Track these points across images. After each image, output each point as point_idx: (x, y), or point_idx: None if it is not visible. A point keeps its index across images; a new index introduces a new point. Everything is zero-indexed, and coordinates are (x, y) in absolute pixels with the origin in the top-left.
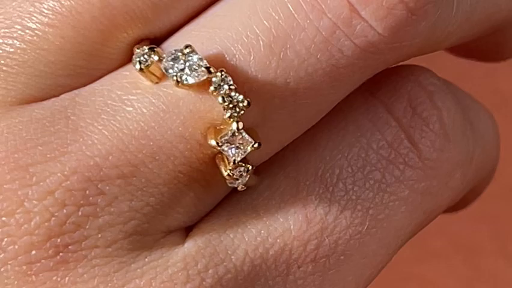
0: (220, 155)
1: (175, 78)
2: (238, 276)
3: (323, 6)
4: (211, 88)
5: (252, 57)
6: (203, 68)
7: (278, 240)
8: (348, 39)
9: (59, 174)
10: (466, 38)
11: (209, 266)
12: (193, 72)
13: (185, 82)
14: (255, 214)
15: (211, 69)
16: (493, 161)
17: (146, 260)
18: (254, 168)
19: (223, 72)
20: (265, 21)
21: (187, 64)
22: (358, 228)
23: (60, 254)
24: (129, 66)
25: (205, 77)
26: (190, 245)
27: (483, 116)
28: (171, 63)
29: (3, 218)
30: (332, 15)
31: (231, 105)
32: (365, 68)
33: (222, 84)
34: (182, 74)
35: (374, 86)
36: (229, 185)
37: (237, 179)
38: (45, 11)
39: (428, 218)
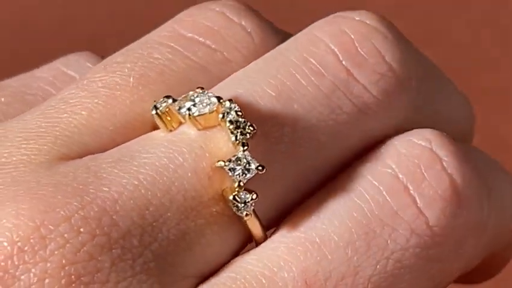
0: (227, 189)
1: (187, 112)
2: None
3: (322, 70)
4: (220, 116)
5: (259, 105)
6: (213, 99)
7: None
8: (347, 99)
9: (75, 204)
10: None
11: None
12: (204, 105)
13: (196, 114)
14: (255, 279)
15: (221, 99)
16: None
17: None
18: (258, 197)
19: (231, 102)
20: (270, 80)
21: (198, 100)
22: None
23: (73, 285)
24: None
25: (215, 107)
26: None
27: (505, 182)
28: (183, 101)
29: (19, 244)
30: (331, 76)
31: (237, 129)
32: (363, 128)
33: (229, 110)
34: (193, 107)
35: (385, 149)
36: (235, 211)
37: (242, 205)
38: (88, 88)
39: (438, 284)
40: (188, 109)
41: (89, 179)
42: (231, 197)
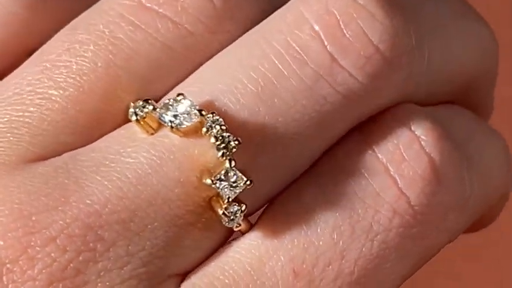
0: (215, 197)
1: (169, 124)
2: None
3: (305, 57)
4: (204, 129)
5: (241, 105)
6: (195, 111)
7: None
8: (331, 87)
9: (60, 222)
10: (438, 92)
11: None
12: (186, 117)
13: (179, 127)
14: (243, 269)
15: (203, 112)
16: (501, 188)
17: None
18: (247, 209)
19: (214, 115)
20: (252, 73)
21: (180, 110)
22: (346, 278)
23: None
24: (126, 124)
25: (197, 120)
26: None
27: (488, 144)
28: (164, 110)
29: (8, 265)
30: (314, 65)
31: (222, 145)
32: (349, 115)
33: (213, 125)
34: (175, 119)
35: (367, 130)
36: (225, 223)
37: (232, 218)
38: (54, 76)
39: (423, 259)
40: (170, 120)
41: (70, 186)
42: (220, 212)
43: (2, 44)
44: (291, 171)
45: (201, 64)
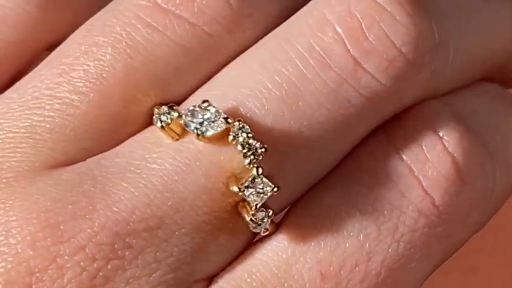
0: (241, 203)
1: (195, 131)
2: None
3: (329, 61)
4: (230, 137)
5: (266, 110)
6: (221, 119)
7: None
8: (354, 91)
9: (89, 230)
10: (465, 82)
11: None
12: (212, 124)
13: (205, 134)
14: (270, 271)
15: (229, 120)
16: None
17: None
18: (274, 213)
19: (240, 122)
20: (276, 77)
21: (206, 117)
22: (373, 279)
23: None
24: (150, 128)
25: (223, 127)
26: None
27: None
28: (190, 118)
29: (37, 274)
30: (337, 69)
31: (249, 152)
32: (372, 117)
33: (240, 133)
34: (201, 127)
35: (391, 131)
36: (253, 229)
37: (259, 224)
38: (73, 80)
39: (447, 255)
40: (197, 127)
41: (96, 194)
42: (247, 218)
43: (16, 44)
44: (315, 174)
45: (220, 65)
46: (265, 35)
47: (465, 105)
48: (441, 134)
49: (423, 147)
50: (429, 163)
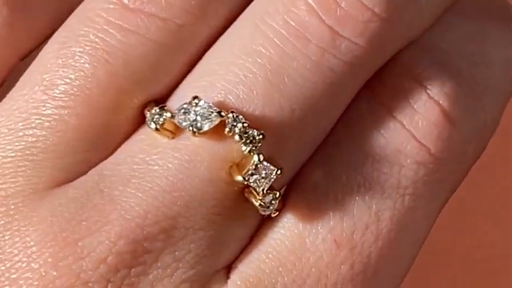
0: (247, 189)
1: (190, 129)
2: None
3: (306, 35)
4: (226, 129)
5: (254, 94)
6: (214, 113)
7: (313, 270)
8: (336, 59)
9: (106, 242)
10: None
11: None
12: (206, 120)
13: (201, 131)
14: (286, 249)
15: (222, 113)
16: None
17: None
18: (280, 193)
19: (234, 114)
20: (258, 59)
21: (199, 113)
22: (386, 237)
23: None
24: (143, 129)
25: (218, 121)
26: None
27: (494, 53)
28: (183, 116)
29: None
30: (316, 41)
31: (248, 141)
32: (357, 79)
33: (235, 124)
34: (196, 123)
35: (376, 89)
36: (263, 213)
37: (268, 206)
38: (58, 96)
39: (452, 191)
40: (191, 125)
41: (106, 206)
42: (256, 203)
43: None
44: (311, 145)
45: (199, 52)
46: (239, 13)
47: (441, 43)
48: (424, 83)
49: (410, 100)
50: (417, 114)
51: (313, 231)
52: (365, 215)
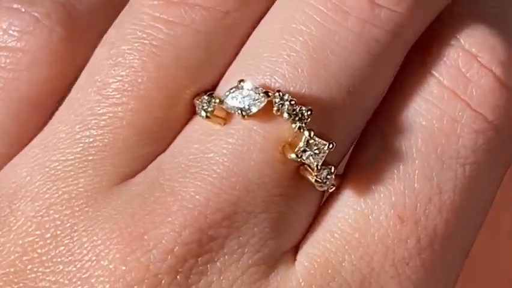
0: (303, 166)
1: (239, 112)
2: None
3: (344, 8)
4: (275, 109)
5: (299, 72)
6: (261, 94)
7: (379, 246)
8: (378, 28)
9: (171, 233)
10: None
11: (323, 286)
12: (254, 101)
13: (250, 113)
14: (350, 227)
15: (269, 94)
16: None
17: None
18: (336, 168)
19: (280, 93)
20: (300, 37)
21: (246, 96)
22: (450, 208)
23: None
24: (195, 119)
25: (265, 102)
26: (301, 269)
27: None
28: (231, 101)
29: (135, 287)
30: (355, 13)
31: (296, 118)
32: (401, 47)
33: (282, 102)
34: (244, 106)
35: (426, 57)
36: (320, 189)
37: (325, 181)
38: (111, 94)
39: (510, 160)
40: (240, 108)
41: (168, 198)
42: (312, 180)
43: (50, 81)
44: (363, 118)
45: (244, 38)
46: None
47: (481, 6)
48: (473, 51)
49: (462, 70)
50: (471, 83)
51: (376, 207)
52: (427, 187)
